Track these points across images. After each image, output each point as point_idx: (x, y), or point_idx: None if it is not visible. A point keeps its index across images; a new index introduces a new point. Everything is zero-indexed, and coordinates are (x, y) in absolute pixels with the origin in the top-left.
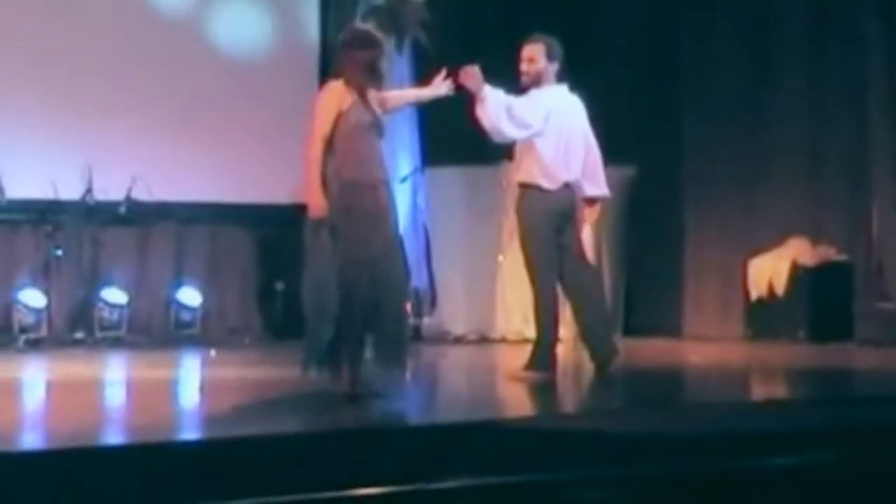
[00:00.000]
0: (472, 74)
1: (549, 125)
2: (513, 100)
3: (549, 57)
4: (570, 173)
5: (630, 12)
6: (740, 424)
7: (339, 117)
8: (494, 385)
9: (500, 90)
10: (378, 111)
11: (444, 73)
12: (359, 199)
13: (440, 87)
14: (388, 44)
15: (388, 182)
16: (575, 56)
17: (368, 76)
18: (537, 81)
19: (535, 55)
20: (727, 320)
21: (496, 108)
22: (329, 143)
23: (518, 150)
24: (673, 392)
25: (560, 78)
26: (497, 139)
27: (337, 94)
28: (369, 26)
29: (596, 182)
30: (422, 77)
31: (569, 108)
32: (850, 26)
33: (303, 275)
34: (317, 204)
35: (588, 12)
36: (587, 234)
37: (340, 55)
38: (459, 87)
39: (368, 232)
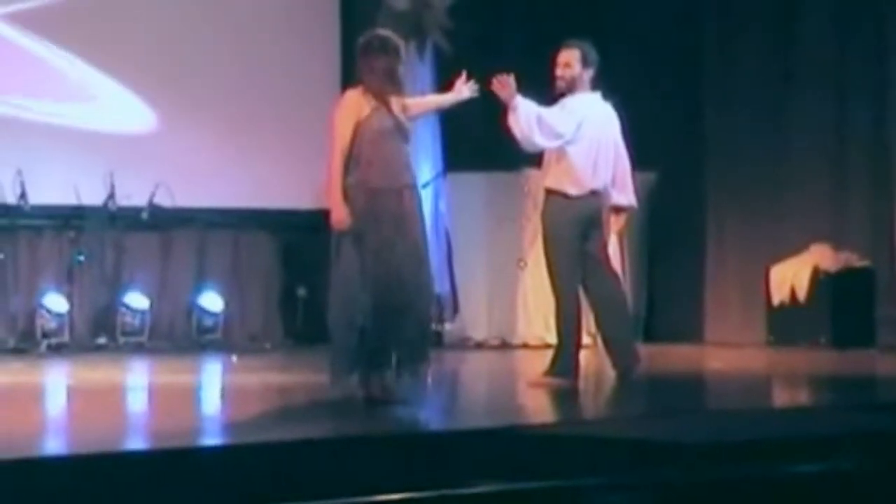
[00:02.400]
0: (505, 83)
1: (580, 133)
2: (544, 110)
3: (585, 63)
4: (597, 181)
5: (653, 16)
6: (762, 431)
7: (359, 125)
8: (516, 391)
9: (531, 101)
10: (401, 116)
11: (464, 76)
12: (384, 205)
13: (462, 91)
14: (409, 49)
15: (414, 186)
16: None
17: (387, 82)
18: (572, 87)
19: (571, 60)
20: (749, 326)
21: (528, 118)
22: (351, 153)
23: (548, 155)
24: (695, 398)
25: (595, 85)
26: (528, 148)
27: (354, 103)
28: (386, 31)
29: (624, 191)
30: (443, 82)
31: (602, 117)
32: (872, 34)
33: (328, 285)
34: (339, 216)
35: (610, 17)
36: (612, 243)
37: (359, 61)
38: (490, 92)
39: (395, 237)
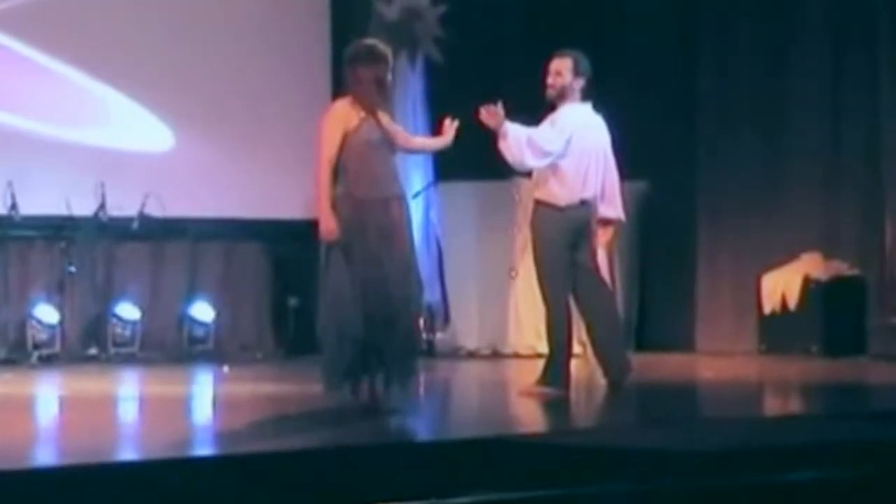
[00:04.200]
0: (493, 112)
1: (570, 146)
2: (533, 130)
3: (576, 72)
4: (587, 191)
5: (649, 28)
6: (754, 439)
7: (347, 136)
8: (507, 400)
9: (518, 125)
10: (389, 127)
11: (451, 120)
12: (371, 217)
13: (450, 134)
14: (400, 59)
15: (402, 197)
16: (592, 71)
17: (375, 91)
18: (562, 96)
19: (562, 69)
20: (740, 335)
21: (518, 143)
22: (338, 163)
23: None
24: (686, 407)
25: (586, 94)
26: (521, 170)
27: (341, 114)
28: (372, 40)
29: (612, 204)
30: (435, 93)
31: (592, 128)
32: (865, 49)
33: (318, 295)
34: (328, 227)
35: (606, 29)
36: (600, 254)
37: (346, 71)
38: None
39: (382, 248)
